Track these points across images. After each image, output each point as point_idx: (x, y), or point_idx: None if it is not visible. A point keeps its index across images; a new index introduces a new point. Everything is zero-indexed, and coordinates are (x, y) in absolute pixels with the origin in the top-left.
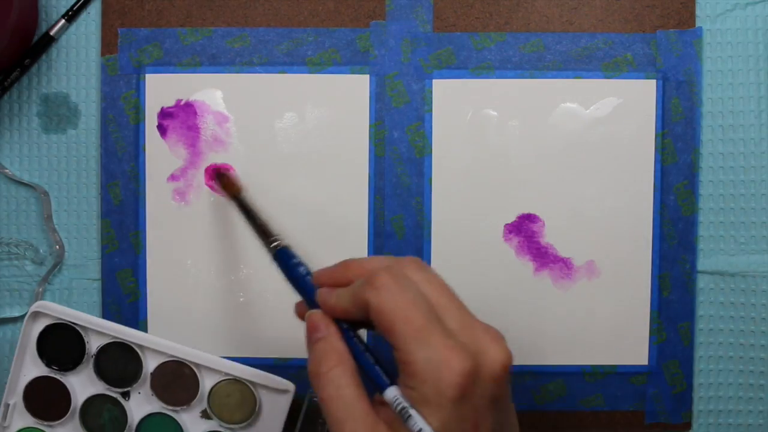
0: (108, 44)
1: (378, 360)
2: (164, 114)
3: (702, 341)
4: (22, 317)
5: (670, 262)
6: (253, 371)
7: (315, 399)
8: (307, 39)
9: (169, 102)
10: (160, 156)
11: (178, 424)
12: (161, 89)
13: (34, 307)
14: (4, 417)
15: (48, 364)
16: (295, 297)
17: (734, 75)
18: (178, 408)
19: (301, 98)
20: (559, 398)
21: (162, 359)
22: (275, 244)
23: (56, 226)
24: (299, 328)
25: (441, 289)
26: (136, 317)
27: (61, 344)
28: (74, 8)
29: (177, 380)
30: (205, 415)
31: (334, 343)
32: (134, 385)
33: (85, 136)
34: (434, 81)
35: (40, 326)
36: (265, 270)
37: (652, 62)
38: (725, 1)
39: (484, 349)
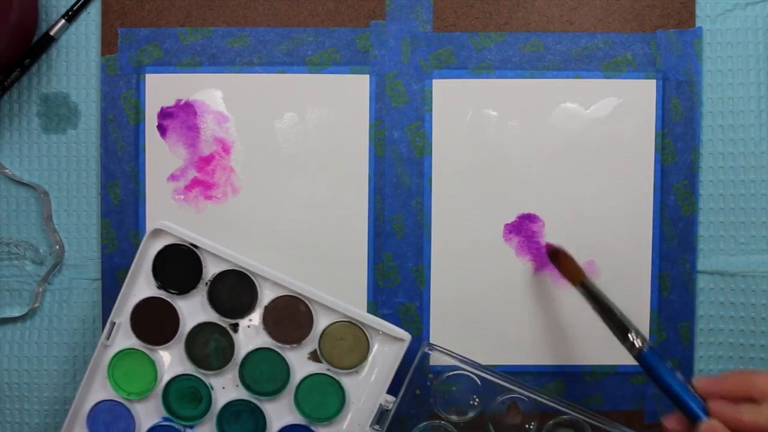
0: (108, 44)
1: None
2: (164, 114)
3: (702, 341)
4: (22, 317)
5: (670, 262)
6: (371, 317)
7: (428, 351)
8: (307, 39)
9: (169, 102)
10: (160, 156)
11: (286, 362)
12: (161, 89)
13: (156, 225)
14: (108, 335)
15: (161, 286)
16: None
17: (734, 75)
18: (287, 346)
19: (301, 98)
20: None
21: (278, 293)
22: (638, 345)
23: (56, 226)
24: None
25: None
26: None
27: (177, 267)
28: (74, 8)
29: (291, 316)
30: (313, 356)
31: None
32: (246, 317)
33: (85, 136)
34: (434, 81)
35: (158, 245)
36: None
37: (652, 62)
38: (725, 1)
39: None
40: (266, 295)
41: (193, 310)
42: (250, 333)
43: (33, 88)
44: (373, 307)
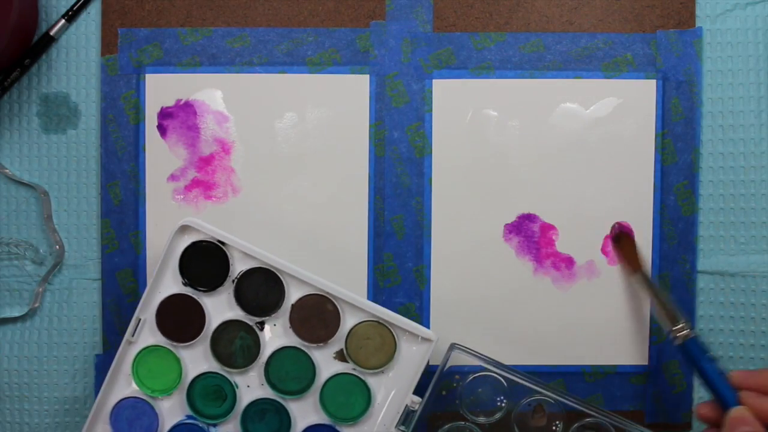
0: (108, 44)
1: None
2: (164, 114)
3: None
4: (22, 317)
5: (670, 262)
6: (397, 317)
7: (456, 351)
8: (307, 39)
9: (169, 102)
10: (160, 156)
11: (312, 361)
12: (161, 89)
13: (183, 221)
14: (133, 332)
15: (187, 283)
16: None
17: (734, 75)
18: (313, 345)
19: (301, 98)
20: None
21: (306, 291)
22: (684, 333)
23: (56, 226)
24: None
25: None
26: None
27: (204, 263)
28: (74, 8)
29: (317, 315)
30: (340, 356)
31: None
32: (272, 315)
33: (85, 136)
34: (434, 81)
35: (185, 242)
36: None
37: (652, 62)
38: (725, 1)
39: None
40: (293, 293)
41: (219, 307)
42: (276, 332)
43: (33, 88)
44: None
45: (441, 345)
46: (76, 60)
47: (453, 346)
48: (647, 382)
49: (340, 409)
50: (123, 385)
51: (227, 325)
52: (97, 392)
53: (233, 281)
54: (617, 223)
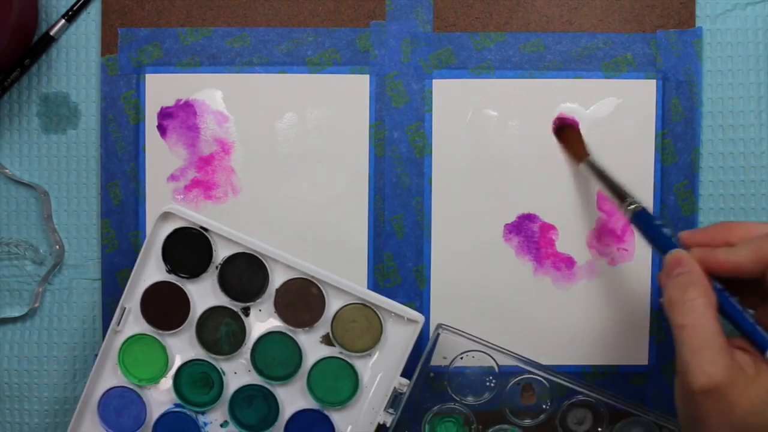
0: (108, 44)
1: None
2: (164, 114)
3: None
4: (22, 317)
5: None
6: (383, 299)
7: (441, 332)
8: (307, 39)
9: (169, 102)
10: (160, 156)
11: (298, 346)
12: (161, 89)
13: (165, 208)
14: (119, 321)
15: (171, 270)
16: None
17: (734, 75)
18: (299, 329)
19: (301, 98)
20: (560, 398)
21: (290, 275)
22: (634, 206)
23: (56, 226)
24: None
25: None
26: None
27: (187, 250)
28: (74, 8)
29: (302, 299)
30: (326, 339)
31: (700, 277)
32: (257, 301)
33: (85, 136)
34: (434, 81)
35: (168, 229)
36: None
37: (652, 62)
38: (725, 1)
39: None
40: (277, 278)
41: (204, 294)
42: (261, 317)
43: (33, 88)
44: None
45: (444, 344)
46: (76, 60)
47: (440, 326)
48: (647, 382)
49: (328, 394)
50: (110, 375)
51: (212, 312)
52: None
53: (217, 267)
54: (557, 116)
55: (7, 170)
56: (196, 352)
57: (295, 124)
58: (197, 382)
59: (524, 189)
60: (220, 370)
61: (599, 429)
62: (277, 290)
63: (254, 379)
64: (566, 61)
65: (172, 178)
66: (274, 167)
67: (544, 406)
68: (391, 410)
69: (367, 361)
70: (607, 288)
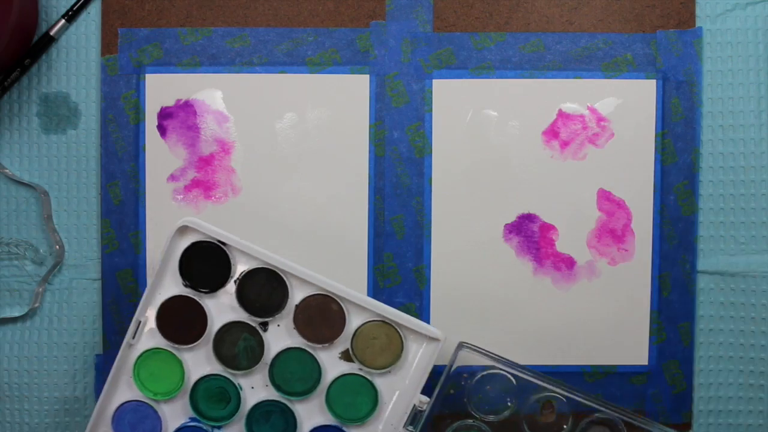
0: (108, 44)
1: None
2: (164, 114)
3: (702, 341)
4: (22, 317)
5: (670, 262)
6: (404, 316)
7: (464, 350)
8: (307, 39)
9: (169, 102)
10: (160, 156)
11: (317, 362)
12: (161, 89)
13: (182, 222)
14: (134, 334)
15: (188, 284)
16: None
17: (734, 75)
18: (318, 345)
19: (301, 98)
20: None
21: (310, 291)
22: None
23: (56, 226)
24: None
25: None
26: None
27: (205, 264)
28: (74, 8)
29: (322, 315)
30: (345, 356)
31: None
32: (276, 316)
33: (85, 136)
34: (434, 81)
35: (185, 242)
36: None
37: (652, 62)
38: (725, 1)
39: None
40: (297, 293)
41: (222, 308)
42: (280, 332)
43: (33, 88)
44: None
45: (445, 345)
46: (76, 60)
47: (461, 345)
48: (647, 382)
49: (346, 410)
50: (124, 389)
51: (230, 327)
52: (97, 392)
53: (235, 282)
54: None
55: (7, 170)
56: (213, 367)
57: (295, 124)
58: (214, 397)
59: (524, 189)
60: (237, 385)
61: None
62: (297, 306)
63: (272, 394)
64: (566, 61)
65: (172, 178)
66: (274, 167)
67: (564, 426)
68: (410, 428)
69: (387, 378)
70: (607, 288)
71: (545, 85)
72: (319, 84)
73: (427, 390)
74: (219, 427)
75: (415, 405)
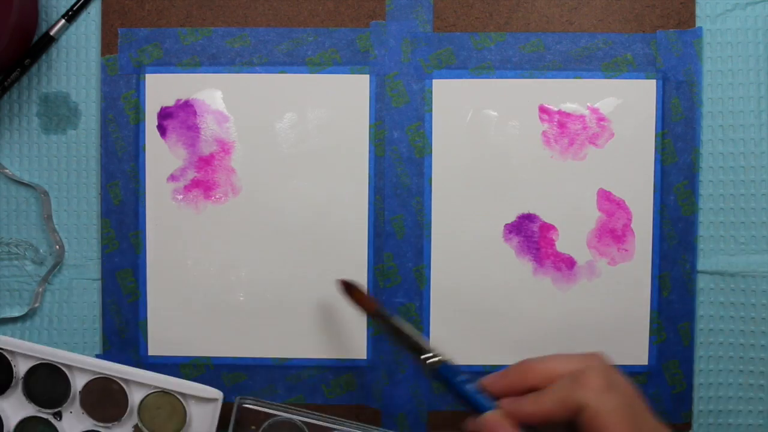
0: (108, 44)
1: None
2: (164, 114)
3: (702, 341)
4: (22, 317)
5: (670, 262)
6: (179, 381)
7: (245, 405)
8: (307, 39)
9: (169, 102)
10: (160, 156)
11: None
12: (161, 89)
13: None
14: None
15: None
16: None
17: (734, 75)
18: (110, 424)
19: (301, 98)
20: None
21: (88, 377)
22: (434, 360)
23: (56, 226)
24: (298, 328)
25: (635, 392)
26: (136, 317)
27: None
28: (74, 8)
29: (106, 397)
30: (137, 430)
31: None
32: (65, 405)
33: (85, 136)
34: (434, 81)
35: None
36: (265, 269)
37: (652, 62)
38: (725, 1)
39: None
40: (78, 381)
41: (14, 407)
42: (73, 419)
43: (33, 88)
44: None
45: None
46: (76, 60)
47: (241, 399)
48: (647, 382)
49: None
50: None
51: (26, 423)
52: None
53: (20, 380)
54: (340, 280)
55: (7, 170)
56: None
57: (295, 124)
58: None
59: (524, 189)
60: None
61: None
62: (81, 392)
63: None
64: (566, 61)
65: (172, 178)
66: (274, 167)
67: None
68: None
69: None
70: (607, 288)
71: (545, 85)
72: (319, 84)
73: None
74: None
75: None
